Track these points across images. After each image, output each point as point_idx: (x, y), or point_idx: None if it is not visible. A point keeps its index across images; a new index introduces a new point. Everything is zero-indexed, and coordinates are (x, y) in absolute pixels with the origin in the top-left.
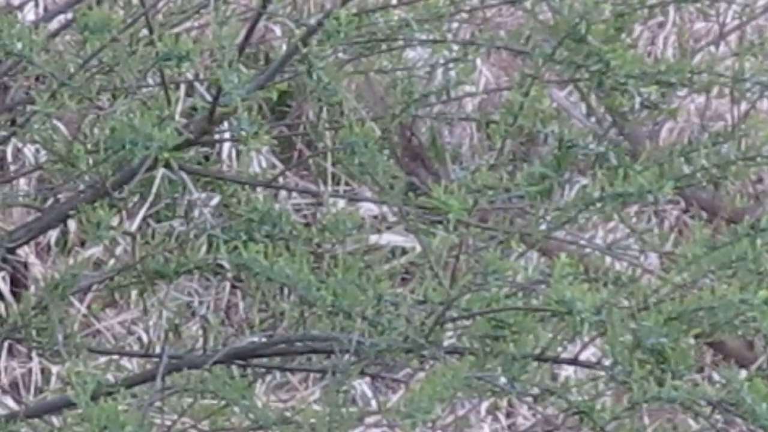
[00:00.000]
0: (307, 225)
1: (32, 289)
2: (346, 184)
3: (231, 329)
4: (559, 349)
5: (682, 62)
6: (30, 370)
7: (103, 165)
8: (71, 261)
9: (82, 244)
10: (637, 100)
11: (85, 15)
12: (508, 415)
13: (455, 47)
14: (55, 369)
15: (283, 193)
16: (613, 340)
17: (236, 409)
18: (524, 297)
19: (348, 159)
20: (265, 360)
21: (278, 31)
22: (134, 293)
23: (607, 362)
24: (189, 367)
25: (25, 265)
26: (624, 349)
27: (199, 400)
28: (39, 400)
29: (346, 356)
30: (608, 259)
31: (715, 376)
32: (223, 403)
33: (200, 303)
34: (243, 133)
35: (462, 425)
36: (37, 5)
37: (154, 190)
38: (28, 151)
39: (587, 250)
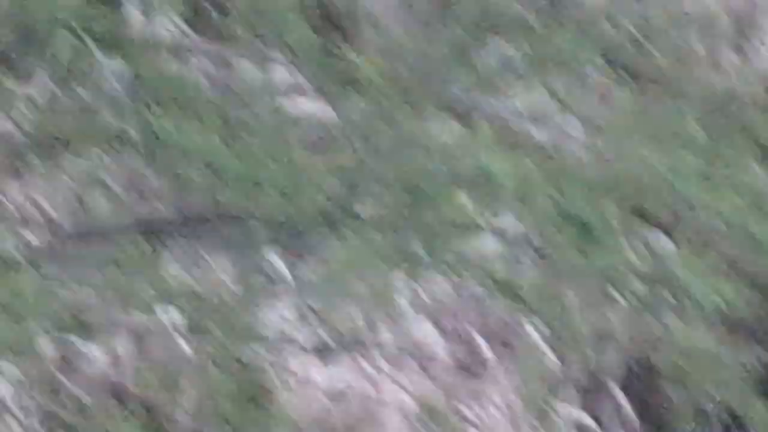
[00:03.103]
0: (218, 92)
1: None
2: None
3: (139, 200)
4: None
5: None
6: None
7: (3, 30)
8: None
9: None
10: None
11: None
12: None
13: None
14: None
15: (193, 59)
16: (535, 209)
17: (143, 282)
18: (444, 166)
19: (260, 23)
20: (174, 233)
21: None
22: (39, 163)
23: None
24: (95, 238)
25: None
26: (546, 218)
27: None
28: None
29: (257, 226)
30: (532, 130)
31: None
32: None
33: (108, 174)
34: None
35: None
36: None
37: (58, 55)
38: None
39: (510, 117)
